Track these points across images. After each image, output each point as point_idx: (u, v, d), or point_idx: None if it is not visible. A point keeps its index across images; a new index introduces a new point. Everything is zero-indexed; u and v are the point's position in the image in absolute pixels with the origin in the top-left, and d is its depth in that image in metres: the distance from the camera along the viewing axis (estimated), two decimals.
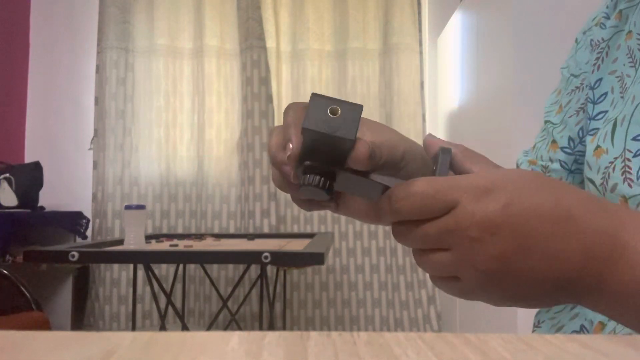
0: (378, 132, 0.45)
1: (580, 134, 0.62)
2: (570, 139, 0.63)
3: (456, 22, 2.36)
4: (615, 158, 0.51)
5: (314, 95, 0.40)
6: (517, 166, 0.69)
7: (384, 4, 2.87)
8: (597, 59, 0.61)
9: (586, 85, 0.62)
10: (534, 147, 0.68)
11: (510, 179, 0.37)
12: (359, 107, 0.40)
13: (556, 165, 0.63)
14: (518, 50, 1.53)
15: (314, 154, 0.41)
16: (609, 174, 0.52)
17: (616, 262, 0.36)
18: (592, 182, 0.54)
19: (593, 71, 0.60)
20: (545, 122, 0.67)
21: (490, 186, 0.36)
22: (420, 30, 2.90)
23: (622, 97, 0.55)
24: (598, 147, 0.54)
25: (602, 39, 0.61)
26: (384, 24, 2.87)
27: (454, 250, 0.37)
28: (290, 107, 0.44)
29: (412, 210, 0.37)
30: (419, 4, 2.90)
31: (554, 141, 0.64)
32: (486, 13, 1.87)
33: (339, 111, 0.39)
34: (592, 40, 0.63)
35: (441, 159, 0.41)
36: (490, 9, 1.82)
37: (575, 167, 0.63)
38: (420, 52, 2.88)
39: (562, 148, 0.63)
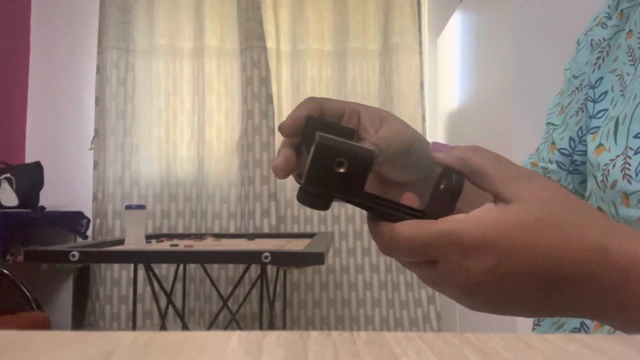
0: (384, 123, 0.46)
1: (580, 134, 0.63)
2: (570, 139, 0.63)
3: (456, 22, 2.36)
4: (617, 156, 0.51)
5: (321, 139, 0.36)
6: None
7: (384, 4, 2.87)
8: (598, 58, 0.61)
9: (586, 85, 0.62)
10: (537, 149, 0.69)
11: (506, 231, 0.35)
12: (370, 157, 0.36)
13: (554, 167, 0.64)
14: (518, 51, 1.53)
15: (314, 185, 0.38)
16: (608, 170, 0.52)
17: (617, 313, 0.36)
18: (595, 178, 0.55)
19: (594, 70, 0.61)
20: (547, 124, 0.67)
21: (479, 244, 0.35)
22: (420, 31, 2.90)
23: (622, 96, 0.56)
24: (600, 145, 0.54)
25: (603, 38, 0.61)
26: (384, 24, 2.87)
27: (440, 284, 0.39)
28: (308, 101, 0.45)
29: (400, 255, 0.38)
30: (419, 4, 2.90)
31: (553, 143, 0.65)
32: (486, 13, 1.87)
33: (346, 165, 0.35)
34: (592, 40, 0.63)
35: (444, 192, 0.37)
36: (490, 9, 1.82)
37: (573, 168, 0.63)
38: (420, 52, 2.88)
39: (559, 149, 0.64)
